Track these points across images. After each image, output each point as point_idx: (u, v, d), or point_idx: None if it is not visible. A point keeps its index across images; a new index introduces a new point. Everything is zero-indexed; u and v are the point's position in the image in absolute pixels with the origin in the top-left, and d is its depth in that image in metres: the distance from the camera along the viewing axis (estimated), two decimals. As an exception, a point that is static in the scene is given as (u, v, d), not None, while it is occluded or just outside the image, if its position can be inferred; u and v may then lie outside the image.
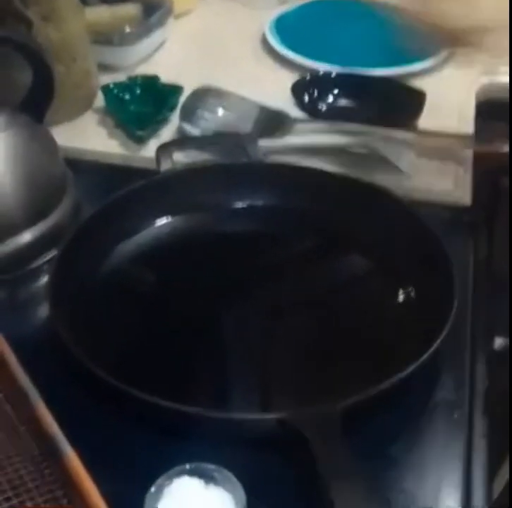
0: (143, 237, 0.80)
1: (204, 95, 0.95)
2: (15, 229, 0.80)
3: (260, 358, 0.70)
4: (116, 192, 0.81)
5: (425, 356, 0.66)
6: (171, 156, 0.84)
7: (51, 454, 0.60)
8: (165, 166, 0.83)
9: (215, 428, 0.62)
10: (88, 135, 0.96)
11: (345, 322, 0.73)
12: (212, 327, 0.73)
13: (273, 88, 0.99)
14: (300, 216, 0.82)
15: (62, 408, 0.62)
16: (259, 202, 0.83)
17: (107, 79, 1.00)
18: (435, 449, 0.66)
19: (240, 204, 0.84)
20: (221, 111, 0.93)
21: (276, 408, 0.64)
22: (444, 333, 0.67)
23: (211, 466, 0.56)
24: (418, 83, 0.98)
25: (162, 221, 0.82)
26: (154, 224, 0.81)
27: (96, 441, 0.62)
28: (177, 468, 0.56)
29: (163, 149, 0.85)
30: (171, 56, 1.09)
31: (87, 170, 0.92)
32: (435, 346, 0.67)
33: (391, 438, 0.66)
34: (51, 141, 0.85)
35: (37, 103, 0.82)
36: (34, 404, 0.62)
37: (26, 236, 0.81)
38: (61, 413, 0.62)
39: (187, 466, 0.56)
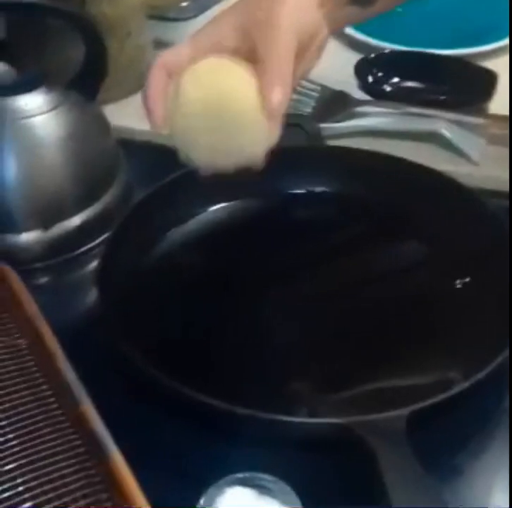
0: (196, 223, 0.76)
1: (262, 74, 0.91)
2: (64, 212, 0.77)
3: (315, 354, 0.66)
4: (168, 176, 0.78)
5: (500, 358, 0.61)
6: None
7: (96, 453, 0.56)
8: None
9: (271, 433, 0.58)
10: (141, 114, 0.91)
11: (404, 316, 0.69)
12: (266, 318, 0.69)
13: (336, 68, 0.94)
14: (360, 203, 0.78)
15: (107, 405, 0.58)
16: (319, 188, 0.78)
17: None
18: (505, 457, 0.62)
19: (297, 190, 0.79)
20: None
21: (337, 412, 0.59)
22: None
23: (265, 476, 0.52)
24: (490, 64, 0.92)
25: (216, 206, 0.78)
26: (207, 209, 0.77)
27: (142, 442, 0.59)
28: (229, 477, 0.52)
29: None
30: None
31: (139, 151, 0.88)
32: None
33: (458, 446, 0.62)
34: (103, 120, 0.81)
35: (89, 80, 0.79)
36: (79, 400, 0.58)
37: (75, 220, 0.78)
38: (106, 411, 0.58)
39: (240, 475, 0.52)
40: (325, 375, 0.64)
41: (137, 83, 0.95)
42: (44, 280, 0.77)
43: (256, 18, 0.60)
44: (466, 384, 0.59)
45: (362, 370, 0.64)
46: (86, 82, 0.79)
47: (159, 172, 0.82)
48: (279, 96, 0.59)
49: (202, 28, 0.65)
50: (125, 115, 0.91)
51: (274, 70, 0.59)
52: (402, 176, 0.77)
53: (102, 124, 0.81)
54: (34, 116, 0.75)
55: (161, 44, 0.98)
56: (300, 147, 0.80)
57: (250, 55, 0.60)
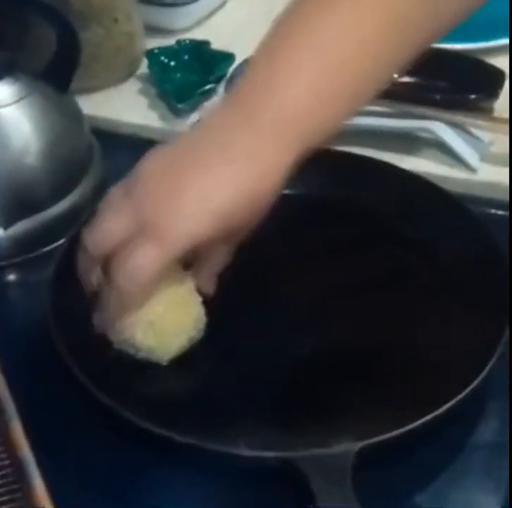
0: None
1: (255, 66, 0.86)
2: (30, 208, 0.73)
3: (262, 384, 0.61)
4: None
5: (468, 390, 0.56)
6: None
7: (20, 479, 0.53)
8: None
9: (206, 463, 0.54)
10: (127, 105, 0.87)
11: (364, 338, 0.63)
12: (217, 342, 0.63)
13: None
14: (339, 206, 0.73)
15: (46, 427, 0.56)
16: (298, 190, 0.73)
17: (156, 44, 0.91)
18: (470, 497, 0.57)
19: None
20: (271, 85, 0.84)
21: (279, 446, 0.54)
22: (494, 357, 0.58)
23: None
24: (499, 61, 0.85)
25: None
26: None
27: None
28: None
29: (197, 126, 0.76)
30: (230, 19, 0.99)
31: (121, 144, 0.84)
32: (483, 374, 0.57)
33: (417, 487, 0.56)
34: (76, 111, 0.77)
35: (61, 71, 0.75)
36: (8, 420, 0.55)
37: (43, 215, 0.74)
38: (44, 431, 0.55)
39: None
40: (271, 405, 0.59)
41: (126, 71, 0.91)
42: (5, 279, 0.73)
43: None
44: (427, 417, 0.54)
45: (312, 401, 0.59)
46: (57, 72, 0.75)
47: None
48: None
49: None
50: (110, 105, 0.87)
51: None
52: (381, 178, 0.72)
53: (74, 117, 0.77)
54: (-1, 107, 0.71)
55: (155, 31, 0.94)
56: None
57: None
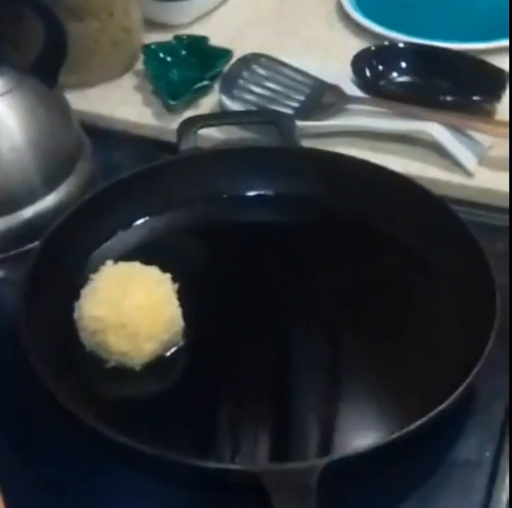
0: (141, 229, 0.69)
1: (252, 63, 0.84)
2: (12, 204, 0.71)
3: (233, 397, 0.59)
4: (124, 173, 0.72)
5: (444, 405, 0.54)
6: (194, 134, 0.73)
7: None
8: (186, 145, 0.73)
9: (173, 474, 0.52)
10: (121, 101, 0.86)
11: (344, 346, 0.62)
12: (193, 353, 0.62)
13: (340, 58, 0.86)
14: (328, 209, 0.71)
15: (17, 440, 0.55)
16: (287, 192, 0.71)
17: (156, 39, 0.89)
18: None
19: (257, 193, 0.72)
20: (267, 83, 0.82)
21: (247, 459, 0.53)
22: (475, 369, 0.55)
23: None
24: (501, 63, 0.82)
25: (171, 211, 0.71)
26: (160, 214, 0.70)
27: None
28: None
29: (186, 125, 0.74)
30: (233, 15, 0.97)
31: (114, 141, 0.82)
32: (460, 389, 0.54)
33: (388, 503, 0.54)
34: (64, 106, 0.76)
35: (49, 65, 0.73)
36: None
37: (26, 212, 0.72)
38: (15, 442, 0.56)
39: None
40: (241, 417, 0.57)
41: (122, 66, 0.89)
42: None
43: None
44: (401, 433, 0.52)
45: (281, 413, 0.57)
46: (45, 67, 0.73)
47: (131, 165, 0.76)
48: None
49: None
50: (104, 100, 0.85)
51: None
52: (372, 181, 0.70)
53: (62, 112, 0.75)
54: (-18, 101, 0.70)
55: (155, 25, 0.92)
56: (263, 147, 0.74)
57: None
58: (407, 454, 0.54)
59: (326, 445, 0.53)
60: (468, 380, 0.54)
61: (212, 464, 0.51)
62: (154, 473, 0.54)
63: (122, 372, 0.60)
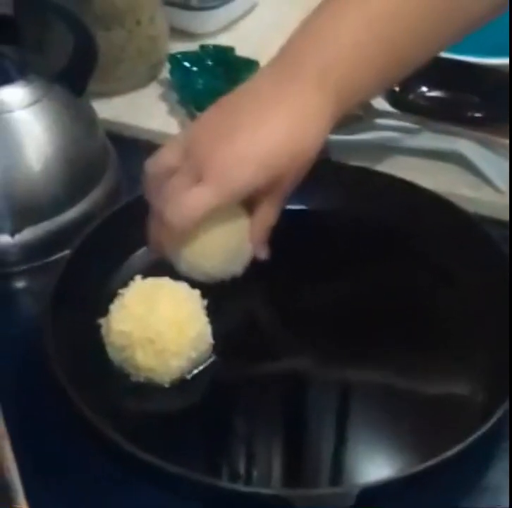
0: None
1: (278, 74, 0.83)
2: (39, 214, 0.71)
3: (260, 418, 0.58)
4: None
5: (479, 433, 0.53)
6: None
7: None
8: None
9: (205, 497, 0.52)
10: (146, 110, 0.85)
11: (383, 367, 0.60)
12: (220, 370, 0.61)
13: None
14: (354, 222, 0.71)
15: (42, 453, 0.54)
16: (315, 205, 0.71)
17: (181, 48, 0.89)
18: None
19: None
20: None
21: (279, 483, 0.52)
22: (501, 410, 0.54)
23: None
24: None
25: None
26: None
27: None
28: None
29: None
30: (258, 25, 0.96)
31: (139, 151, 0.81)
32: (494, 418, 0.54)
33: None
34: (91, 116, 0.75)
35: (77, 74, 0.73)
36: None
37: (52, 222, 0.71)
38: (39, 456, 0.54)
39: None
40: (272, 440, 0.56)
41: (148, 75, 0.89)
42: (12, 286, 0.72)
43: None
44: (432, 462, 0.51)
45: (314, 437, 0.56)
46: (73, 76, 0.72)
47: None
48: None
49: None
50: (130, 110, 0.85)
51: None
52: (396, 196, 0.69)
53: (89, 121, 0.75)
54: (11, 111, 0.69)
55: (181, 34, 0.92)
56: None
57: None
58: (437, 481, 0.54)
59: (356, 471, 0.53)
60: (505, 406, 0.53)
61: (243, 487, 0.51)
62: (177, 491, 0.53)
63: (148, 388, 0.59)
